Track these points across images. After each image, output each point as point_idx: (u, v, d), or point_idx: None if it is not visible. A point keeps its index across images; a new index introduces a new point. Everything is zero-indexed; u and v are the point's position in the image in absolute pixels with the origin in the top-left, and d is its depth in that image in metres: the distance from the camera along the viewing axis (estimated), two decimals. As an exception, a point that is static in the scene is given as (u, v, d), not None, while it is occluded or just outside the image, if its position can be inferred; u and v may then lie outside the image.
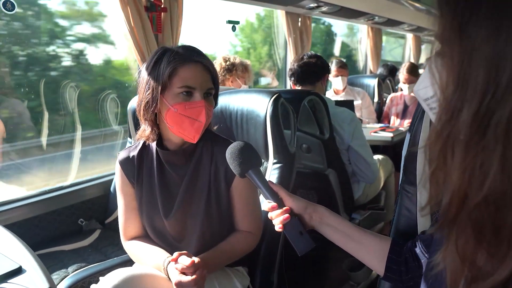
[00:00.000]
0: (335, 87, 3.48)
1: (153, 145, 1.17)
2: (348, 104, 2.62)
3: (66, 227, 1.88)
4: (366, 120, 3.49)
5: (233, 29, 2.83)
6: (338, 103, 2.21)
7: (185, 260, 1.01)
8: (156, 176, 1.16)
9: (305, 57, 2.14)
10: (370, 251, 0.81)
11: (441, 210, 0.43)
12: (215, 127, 1.25)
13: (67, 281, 1.39)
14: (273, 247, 1.38)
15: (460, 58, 0.40)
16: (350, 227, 0.83)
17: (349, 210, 2.00)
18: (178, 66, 1.05)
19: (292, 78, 2.15)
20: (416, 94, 0.52)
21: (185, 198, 1.15)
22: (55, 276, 1.45)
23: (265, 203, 0.84)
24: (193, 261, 1.00)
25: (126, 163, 1.19)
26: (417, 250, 0.78)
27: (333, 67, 3.35)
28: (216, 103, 1.18)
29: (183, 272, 1.01)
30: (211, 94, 1.13)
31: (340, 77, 3.34)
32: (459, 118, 0.40)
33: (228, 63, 2.54)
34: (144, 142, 1.19)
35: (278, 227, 0.82)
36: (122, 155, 1.20)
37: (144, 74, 1.09)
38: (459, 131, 0.40)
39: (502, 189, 0.38)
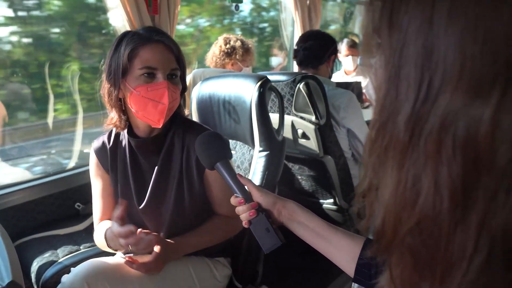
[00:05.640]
0: (346, 68, 3.35)
1: (125, 132, 1.14)
2: (350, 86, 2.50)
3: (63, 211, 1.89)
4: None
5: (236, 8, 2.73)
6: (339, 85, 2.11)
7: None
8: (129, 164, 1.14)
9: (310, 37, 2.03)
10: (341, 251, 0.77)
11: (374, 234, 0.37)
12: (187, 113, 1.20)
13: (53, 268, 1.41)
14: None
15: (390, 53, 0.34)
16: (321, 224, 0.79)
17: (348, 198, 1.93)
18: (138, 46, 1.02)
19: (296, 59, 2.05)
20: (367, 95, 0.46)
21: (157, 186, 1.13)
22: (43, 261, 1.47)
23: (233, 198, 0.83)
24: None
25: (100, 152, 1.17)
26: None
27: (343, 46, 3.22)
28: (184, 87, 1.13)
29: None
30: (177, 76, 1.08)
31: (350, 57, 3.22)
32: (392, 125, 0.34)
33: (228, 46, 2.44)
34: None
35: (244, 223, 0.81)
36: (96, 144, 1.18)
37: (107, 60, 1.06)
38: (392, 141, 0.34)
39: (434, 212, 0.32)
